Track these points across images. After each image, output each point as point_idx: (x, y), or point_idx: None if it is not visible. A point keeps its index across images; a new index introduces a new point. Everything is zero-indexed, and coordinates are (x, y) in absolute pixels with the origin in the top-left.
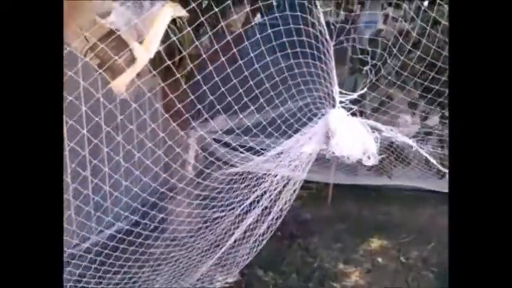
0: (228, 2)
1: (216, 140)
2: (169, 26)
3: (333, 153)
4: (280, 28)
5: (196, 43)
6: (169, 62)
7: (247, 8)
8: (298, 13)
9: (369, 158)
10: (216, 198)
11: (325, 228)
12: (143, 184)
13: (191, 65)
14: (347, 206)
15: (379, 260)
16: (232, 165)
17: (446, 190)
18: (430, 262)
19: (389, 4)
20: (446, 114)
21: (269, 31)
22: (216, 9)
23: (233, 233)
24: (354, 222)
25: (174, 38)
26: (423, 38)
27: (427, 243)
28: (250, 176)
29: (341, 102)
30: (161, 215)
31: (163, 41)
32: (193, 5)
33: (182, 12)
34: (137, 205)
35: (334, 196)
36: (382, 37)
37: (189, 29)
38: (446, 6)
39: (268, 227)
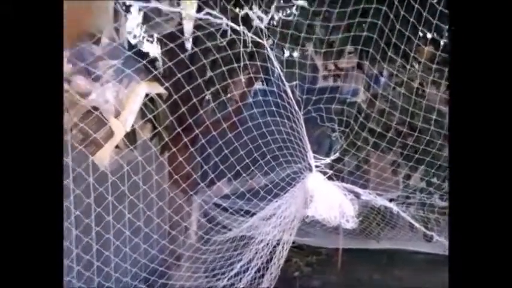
0: None
1: (217, 205)
2: (145, 103)
3: (312, 216)
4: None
5: (171, 118)
6: (145, 137)
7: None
8: (275, 88)
9: (347, 221)
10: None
11: None
12: (147, 252)
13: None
14: (358, 271)
15: None
16: (230, 229)
17: (437, 251)
18: None
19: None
20: (428, 178)
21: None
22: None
23: None
24: None
25: (150, 116)
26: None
27: None
28: (245, 240)
29: (316, 166)
30: (168, 282)
31: (141, 116)
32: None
33: (159, 90)
34: (142, 273)
35: (344, 261)
36: (348, 107)
37: (163, 106)
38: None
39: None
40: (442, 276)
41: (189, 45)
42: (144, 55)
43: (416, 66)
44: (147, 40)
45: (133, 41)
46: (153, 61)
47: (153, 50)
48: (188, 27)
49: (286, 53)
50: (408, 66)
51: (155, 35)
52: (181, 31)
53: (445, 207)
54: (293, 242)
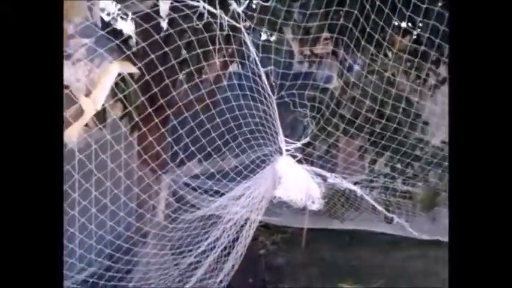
0: None
1: (186, 184)
2: (117, 83)
3: (280, 198)
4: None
5: (142, 98)
6: (115, 116)
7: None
8: (249, 73)
9: (313, 202)
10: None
11: (298, 272)
12: (113, 229)
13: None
14: (321, 251)
15: None
16: (198, 208)
17: (398, 232)
18: None
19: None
20: (392, 163)
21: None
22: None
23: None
24: (327, 267)
25: (120, 95)
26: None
27: None
28: (213, 219)
29: (287, 150)
30: (132, 259)
31: (112, 95)
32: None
33: (131, 69)
34: (109, 250)
35: (309, 240)
36: (321, 93)
37: (135, 86)
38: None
39: (232, 265)
40: (400, 254)
41: (164, 25)
42: (117, 34)
43: (389, 55)
44: (122, 18)
45: (107, 19)
46: (126, 40)
47: (128, 28)
48: (164, 7)
49: (263, 37)
50: (381, 56)
51: (130, 14)
52: (157, 11)
53: (407, 191)
54: (260, 221)
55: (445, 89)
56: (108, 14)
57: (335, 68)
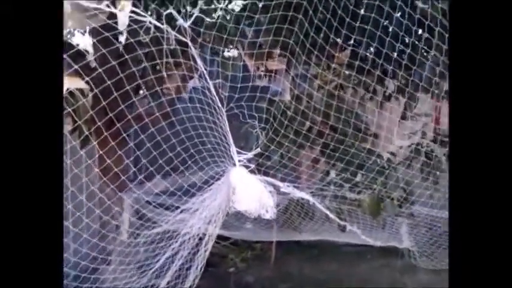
0: None
1: (148, 202)
2: (66, 97)
3: (234, 208)
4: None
5: (91, 112)
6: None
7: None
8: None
9: (267, 211)
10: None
11: None
12: (76, 249)
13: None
14: (290, 266)
15: None
16: (159, 225)
17: (351, 240)
18: None
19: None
20: (338, 172)
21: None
22: None
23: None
24: (296, 283)
25: (69, 109)
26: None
27: None
28: (170, 233)
29: (239, 161)
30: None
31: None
32: None
33: (79, 84)
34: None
35: (278, 255)
36: (269, 105)
37: (83, 100)
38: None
39: (193, 279)
40: (366, 265)
41: (122, 38)
42: (70, 48)
43: (334, 70)
44: (79, 32)
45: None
46: (81, 54)
47: (85, 42)
48: (123, 20)
49: (211, 52)
50: (326, 72)
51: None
52: (108, 26)
53: (356, 199)
54: (229, 238)
55: (391, 104)
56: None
57: (285, 81)
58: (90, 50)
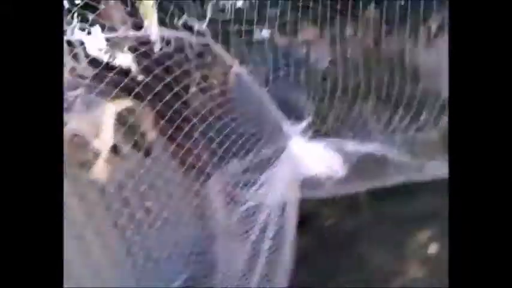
0: None
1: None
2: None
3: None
4: None
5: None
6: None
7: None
8: None
9: (336, 171)
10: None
11: None
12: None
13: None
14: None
15: None
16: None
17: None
18: None
19: None
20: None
21: None
22: None
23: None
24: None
25: (124, 128)
26: None
27: None
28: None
29: (295, 132)
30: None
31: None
32: None
33: (126, 104)
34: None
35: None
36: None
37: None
38: None
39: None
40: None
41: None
42: (111, 70)
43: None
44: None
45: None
46: (125, 72)
47: (125, 60)
48: (155, 30)
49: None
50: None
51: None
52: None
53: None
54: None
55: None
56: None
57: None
58: (134, 65)
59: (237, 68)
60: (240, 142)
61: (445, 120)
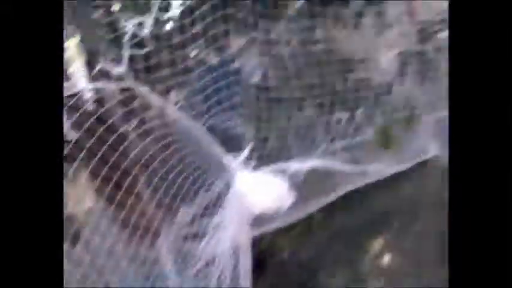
0: None
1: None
2: None
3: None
4: None
5: None
6: None
7: None
8: None
9: (285, 199)
10: None
11: None
12: None
13: None
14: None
15: None
16: None
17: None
18: None
19: None
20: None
21: None
22: None
23: None
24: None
25: None
26: None
27: None
28: None
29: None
30: None
31: None
32: None
33: None
34: None
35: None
36: None
37: None
38: None
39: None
40: None
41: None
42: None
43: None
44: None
45: None
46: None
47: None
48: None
49: None
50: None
51: None
52: None
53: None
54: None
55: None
56: None
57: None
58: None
59: (168, 106)
60: (185, 187)
61: (379, 116)
